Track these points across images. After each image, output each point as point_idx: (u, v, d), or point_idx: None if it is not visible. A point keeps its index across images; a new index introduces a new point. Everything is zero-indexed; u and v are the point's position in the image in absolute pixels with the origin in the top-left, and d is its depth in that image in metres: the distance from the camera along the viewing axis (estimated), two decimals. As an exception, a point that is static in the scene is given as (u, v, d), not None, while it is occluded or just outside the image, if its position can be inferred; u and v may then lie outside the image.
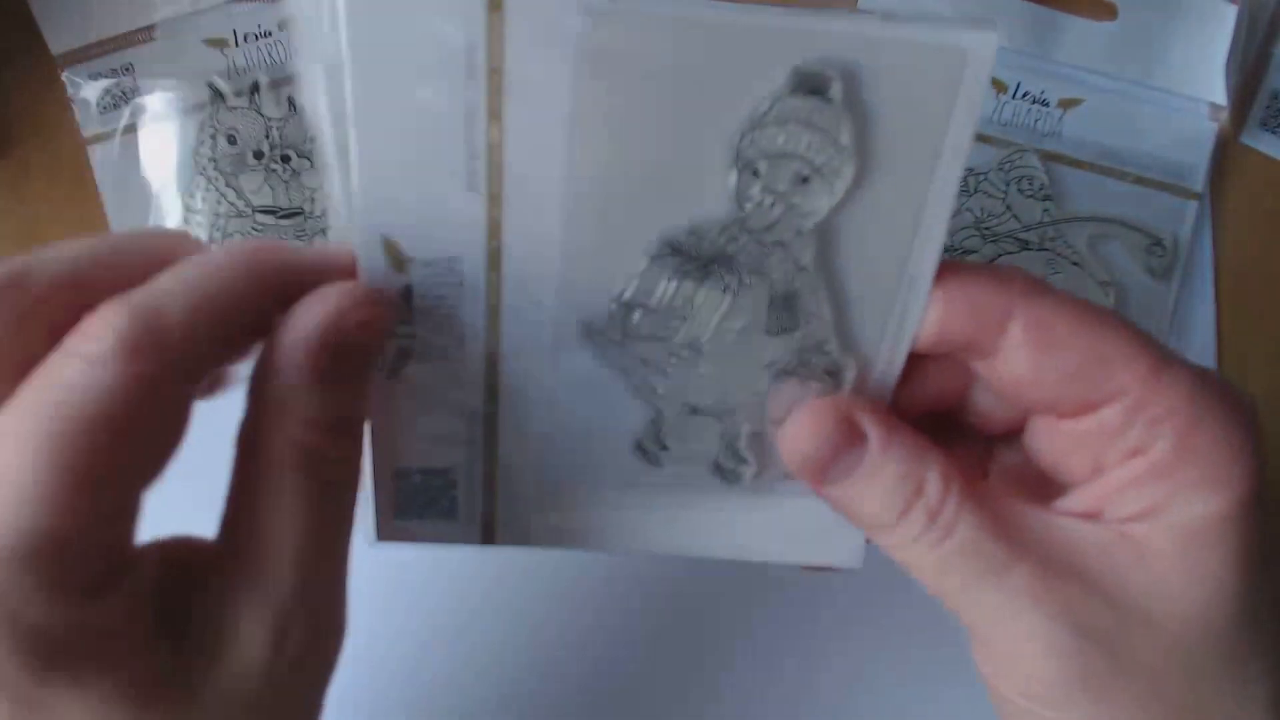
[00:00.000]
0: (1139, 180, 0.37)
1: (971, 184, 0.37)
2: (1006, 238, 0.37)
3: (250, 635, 0.19)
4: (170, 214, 0.36)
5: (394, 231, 0.21)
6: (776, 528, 0.24)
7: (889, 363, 0.22)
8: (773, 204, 0.20)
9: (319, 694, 0.22)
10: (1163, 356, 0.21)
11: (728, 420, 0.23)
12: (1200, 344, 0.37)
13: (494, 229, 0.21)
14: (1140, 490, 0.21)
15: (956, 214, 0.37)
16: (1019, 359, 0.21)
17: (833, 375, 0.22)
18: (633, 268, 0.21)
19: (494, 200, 0.20)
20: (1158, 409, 0.20)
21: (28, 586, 0.17)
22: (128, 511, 0.19)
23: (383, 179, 0.20)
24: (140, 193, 0.36)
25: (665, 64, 0.19)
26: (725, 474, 0.24)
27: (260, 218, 0.36)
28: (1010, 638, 0.21)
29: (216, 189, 0.36)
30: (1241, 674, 0.20)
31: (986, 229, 0.37)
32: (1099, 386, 0.21)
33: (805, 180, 0.20)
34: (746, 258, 0.21)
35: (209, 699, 0.19)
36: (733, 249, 0.21)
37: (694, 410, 0.23)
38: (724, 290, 0.21)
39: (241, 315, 0.19)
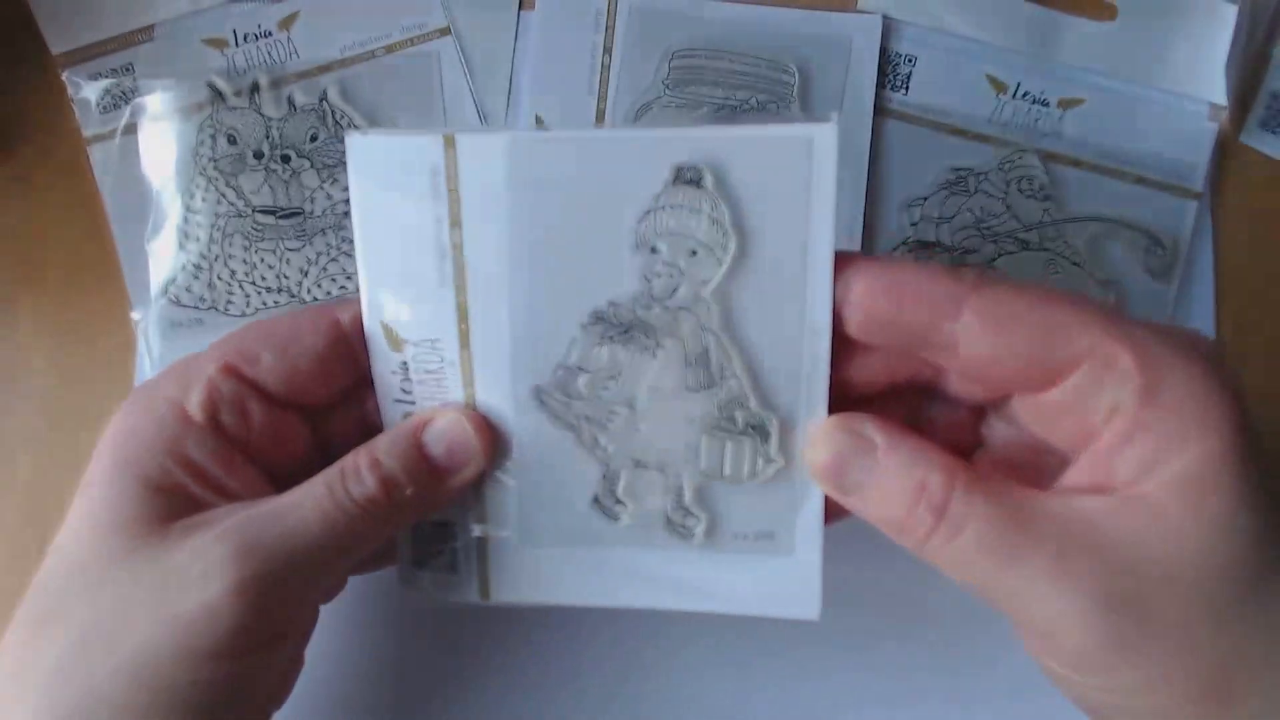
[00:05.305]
0: (1139, 180, 0.37)
1: (971, 184, 0.37)
2: (1006, 238, 0.37)
3: (213, 548, 0.23)
4: (170, 214, 0.36)
5: (390, 319, 0.26)
6: (733, 581, 0.27)
7: (810, 410, 0.25)
8: (670, 274, 0.24)
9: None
10: (1117, 317, 0.22)
11: (670, 474, 0.26)
12: (1200, 344, 0.37)
13: (463, 314, 0.25)
14: (1129, 449, 0.21)
15: (956, 214, 0.37)
16: (977, 342, 0.22)
17: (757, 429, 0.25)
18: (570, 338, 0.25)
19: (460, 290, 0.25)
20: (1122, 365, 0.21)
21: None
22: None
23: (380, 278, 0.25)
24: (140, 193, 0.36)
25: (574, 173, 0.24)
26: (676, 529, 0.26)
27: (260, 218, 0.36)
28: (1042, 618, 0.21)
29: (216, 189, 0.36)
30: (1262, 603, 0.21)
31: (986, 229, 0.37)
32: (1059, 354, 0.21)
33: (694, 253, 0.24)
34: (659, 322, 0.25)
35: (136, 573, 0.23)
36: (646, 316, 0.25)
37: (639, 464, 0.26)
38: (648, 352, 0.25)
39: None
